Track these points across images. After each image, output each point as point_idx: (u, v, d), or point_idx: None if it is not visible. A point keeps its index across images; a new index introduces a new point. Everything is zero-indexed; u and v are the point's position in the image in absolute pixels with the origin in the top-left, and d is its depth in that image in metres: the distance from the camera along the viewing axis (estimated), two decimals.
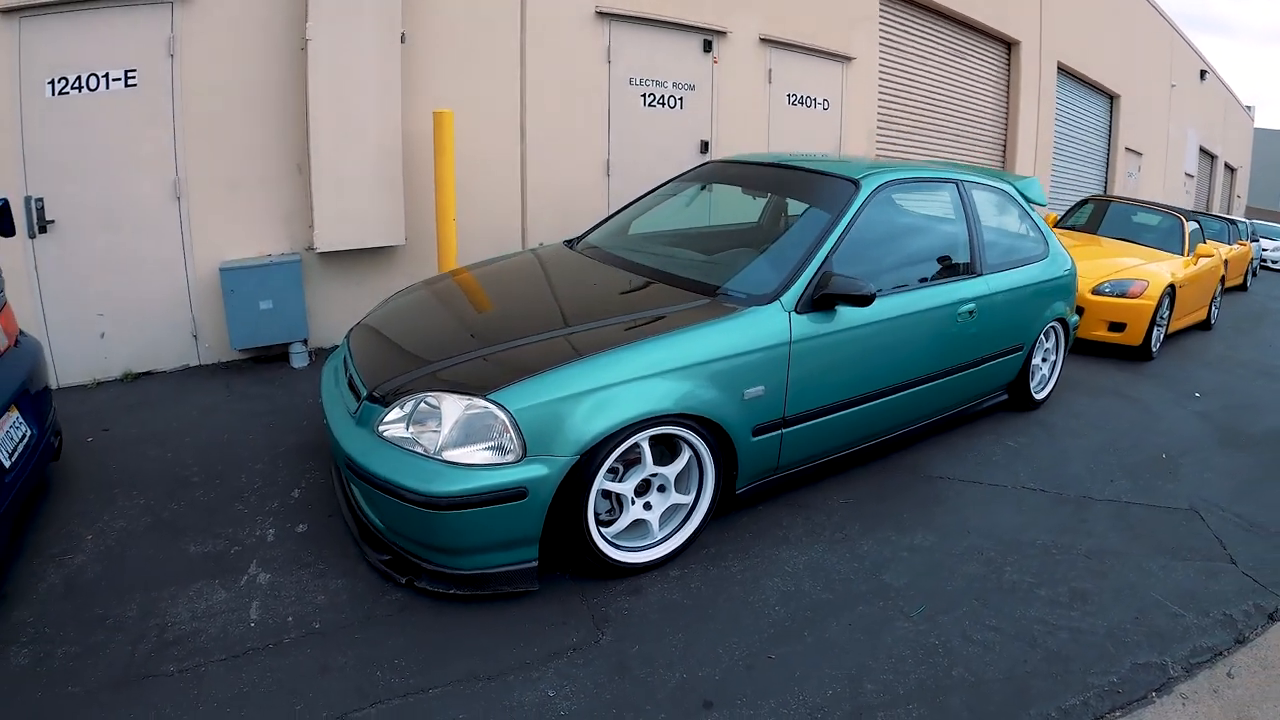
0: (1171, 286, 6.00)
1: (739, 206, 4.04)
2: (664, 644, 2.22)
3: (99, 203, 3.96)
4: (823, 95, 7.22)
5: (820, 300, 2.80)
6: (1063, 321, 4.36)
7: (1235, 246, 10.55)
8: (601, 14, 5.44)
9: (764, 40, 6.52)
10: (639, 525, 2.55)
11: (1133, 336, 5.77)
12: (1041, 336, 4.21)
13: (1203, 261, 6.89)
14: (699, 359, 2.44)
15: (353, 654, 2.17)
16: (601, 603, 2.38)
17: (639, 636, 2.24)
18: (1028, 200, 4.33)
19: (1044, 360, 4.43)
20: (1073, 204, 8.64)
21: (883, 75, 8.05)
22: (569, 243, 3.77)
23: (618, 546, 2.46)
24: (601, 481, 2.32)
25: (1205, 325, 7.72)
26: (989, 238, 3.84)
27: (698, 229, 3.88)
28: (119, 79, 3.92)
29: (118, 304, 4.09)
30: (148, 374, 4.27)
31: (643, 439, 2.37)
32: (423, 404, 2.30)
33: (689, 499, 2.60)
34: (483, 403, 2.21)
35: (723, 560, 2.68)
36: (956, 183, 3.81)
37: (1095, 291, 5.76)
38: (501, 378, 2.28)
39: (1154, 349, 5.95)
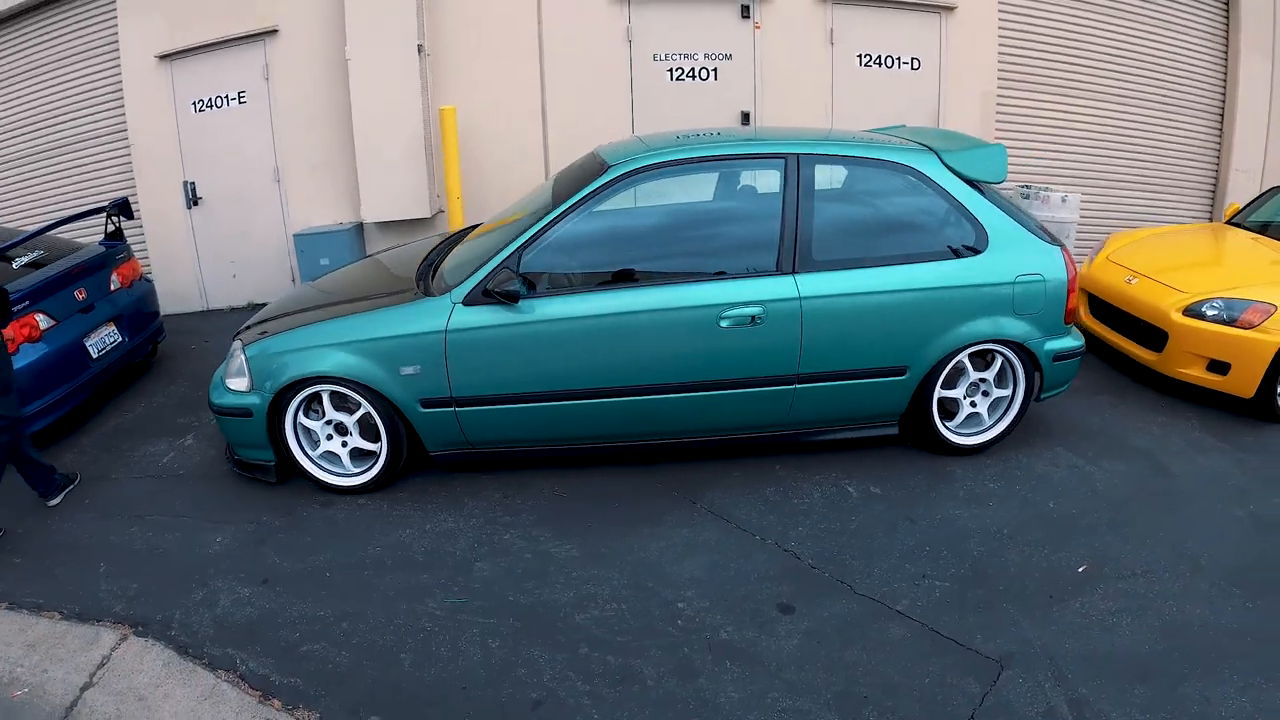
0: None
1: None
2: (293, 539, 3.06)
3: (228, 185, 5.81)
4: (910, 54, 6.61)
5: (490, 294, 3.02)
6: (1020, 346, 3.37)
7: None
8: None
9: None
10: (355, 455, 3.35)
11: (1241, 384, 4.01)
12: (966, 361, 3.40)
13: None
14: (361, 336, 3.11)
15: (181, 492, 3.49)
16: (303, 503, 3.30)
17: (288, 529, 3.13)
18: (966, 178, 3.38)
19: (983, 395, 3.51)
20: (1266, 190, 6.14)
21: (1009, 24, 6.94)
22: None
23: (321, 468, 3.33)
24: (301, 417, 3.25)
25: None
26: (840, 225, 3.36)
27: None
28: (234, 98, 5.65)
29: (243, 254, 5.97)
30: (263, 304, 6.15)
31: (324, 391, 3.19)
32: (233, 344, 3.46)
33: (376, 446, 3.29)
34: (240, 351, 3.29)
35: (399, 505, 3.24)
36: (786, 158, 3.25)
37: (1190, 312, 4.15)
38: (259, 335, 3.32)
39: None
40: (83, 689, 2.45)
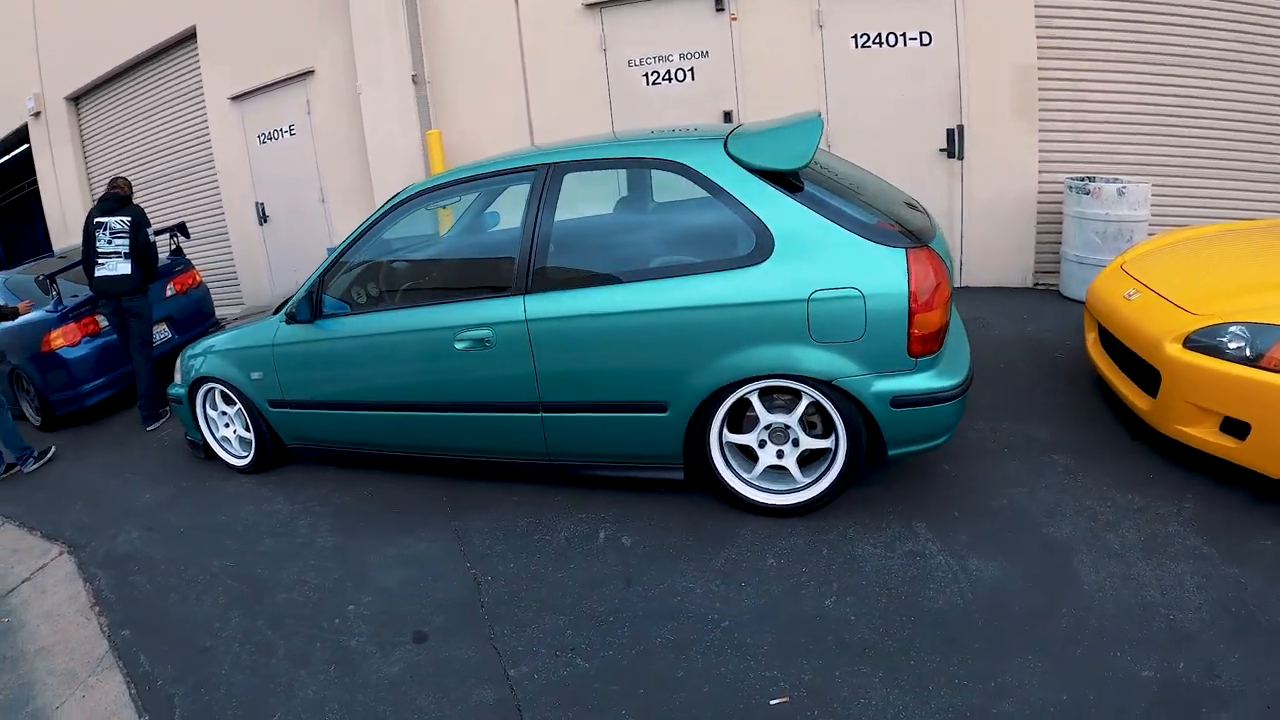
0: None
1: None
2: (188, 502, 3.83)
3: (289, 205, 7.07)
4: (918, 27, 6.11)
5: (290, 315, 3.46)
6: (828, 386, 2.61)
7: None
8: (590, 6, 6.14)
9: None
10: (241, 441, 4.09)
11: (1265, 455, 2.59)
12: (755, 400, 2.76)
13: None
14: (231, 347, 3.78)
15: (157, 458, 4.55)
16: (214, 478, 4.10)
17: (191, 494, 3.93)
18: (757, 168, 2.67)
19: (793, 445, 2.80)
20: None
21: None
22: None
23: (224, 450, 4.14)
24: (204, 408, 4.10)
25: None
26: (585, 238, 3.16)
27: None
28: (287, 131, 6.85)
29: (301, 262, 7.21)
30: None
31: (215, 388, 3.98)
32: None
33: (250, 435, 3.90)
34: (183, 352, 4.28)
35: (264, 486, 3.83)
36: (537, 169, 2.99)
37: (1196, 343, 2.77)
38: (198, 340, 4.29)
39: None
40: (23, 580, 3.52)
